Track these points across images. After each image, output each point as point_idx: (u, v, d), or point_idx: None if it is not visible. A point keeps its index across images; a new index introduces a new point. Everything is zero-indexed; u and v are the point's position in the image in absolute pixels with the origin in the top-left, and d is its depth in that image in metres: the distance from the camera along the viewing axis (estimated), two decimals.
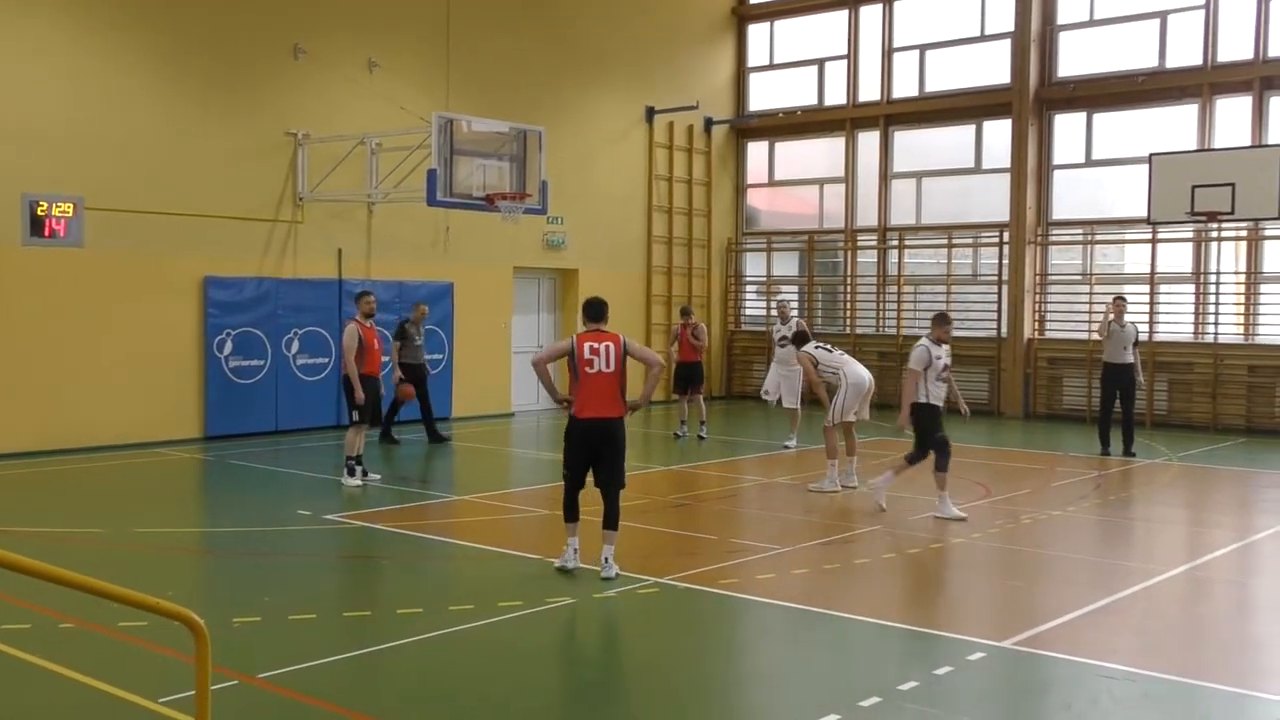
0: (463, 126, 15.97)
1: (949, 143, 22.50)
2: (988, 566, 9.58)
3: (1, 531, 10.03)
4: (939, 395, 11.34)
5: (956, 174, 22.52)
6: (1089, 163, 20.87)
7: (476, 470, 14.73)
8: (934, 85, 22.44)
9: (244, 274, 16.75)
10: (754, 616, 7.96)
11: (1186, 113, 19.64)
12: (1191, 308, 19.59)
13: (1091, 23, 20.79)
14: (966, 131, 22.07)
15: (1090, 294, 20.47)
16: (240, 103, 16.70)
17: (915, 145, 22.84)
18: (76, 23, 15.13)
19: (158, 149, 15.83)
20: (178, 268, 16.06)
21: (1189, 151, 18.74)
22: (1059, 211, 21.17)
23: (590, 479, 8.83)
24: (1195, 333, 19.53)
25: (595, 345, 8.69)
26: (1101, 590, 8.58)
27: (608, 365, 8.64)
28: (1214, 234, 19.25)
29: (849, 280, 23.49)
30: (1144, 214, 18.38)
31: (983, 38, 21.81)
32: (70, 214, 14.25)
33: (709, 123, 24.00)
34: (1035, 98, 20.78)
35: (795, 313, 17.68)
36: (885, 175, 22.95)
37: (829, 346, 13.43)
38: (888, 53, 22.92)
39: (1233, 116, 19.23)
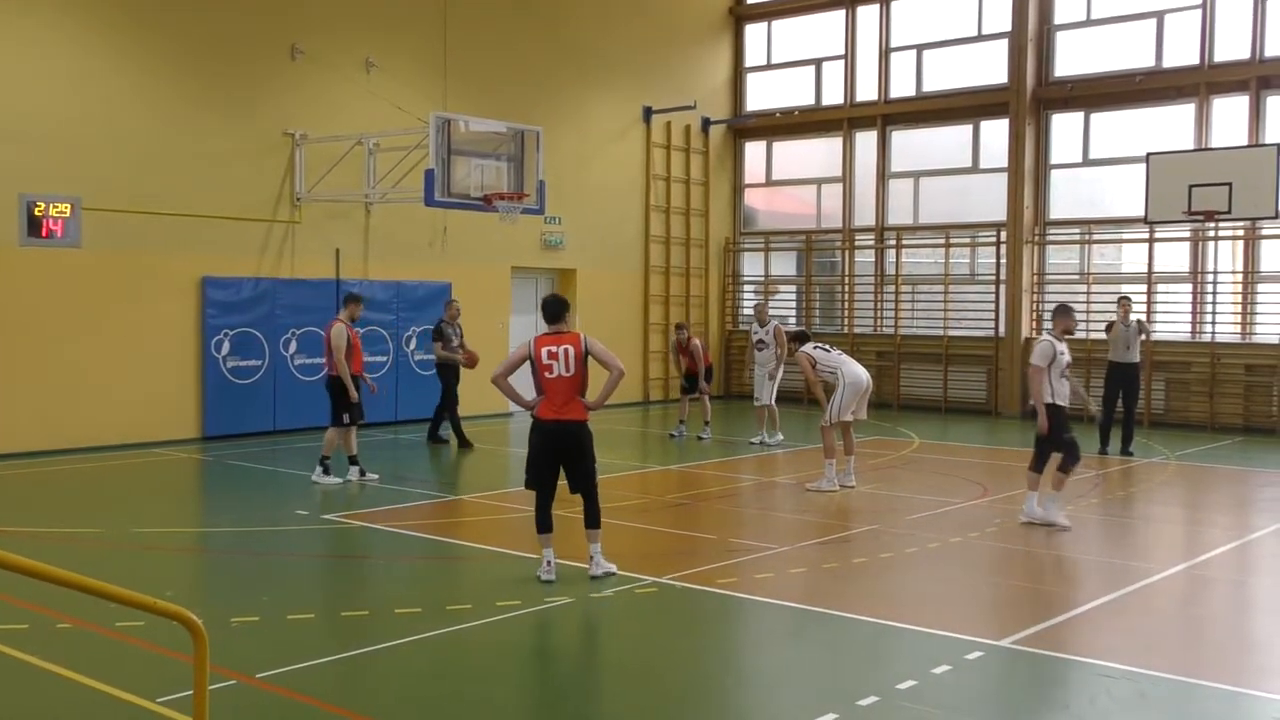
0: (460, 126, 15.96)
1: (946, 142, 22.52)
2: (985, 565, 9.58)
3: None
4: (1064, 394, 10.72)
5: (954, 174, 22.53)
6: (1086, 162, 20.89)
7: (474, 470, 14.72)
8: (931, 85, 22.45)
9: (242, 274, 16.73)
10: (752, 616, 7.96)
11: (1183, 112, 19.66)
12: (1189, 307, 19.61)
13: (1088, 22, 20.81)
14: (964, 131, 22.09)
15: (1088, 293, 20.48)
16: (238, 103, 16.69)
17: (913, 145, 22.86)
18: (74, 22, 15.13)
19: (155, 149, 15.82)
20: (175, 268, 16.05)
21: (1186, 151, 18.77)
22: (1056, 211, 21.19)
23: (566, 486, 8.72)
24: (1193, 332, 19.55)
25: (554, 349, 8.49)
26: (1099, 589, 8.59)
27: (566, 369, 8.45)
28: (1211, 233, 19.27)
29: (846, 280, 23.51)
30: (1141, 213, 18.41)
31: (980, 38, 21.82)
32: (67, 214, 14.24)
33: (706, 123, 24.01)
34: (1032, 97, 20.79)
35: (774, 317, 17.77)
36: (883, 175, 22.96)
37: (827, 346, 13.42)
38: (885, 53, 22.93)
39: (1230, 116, 19.25)
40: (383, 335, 18.30)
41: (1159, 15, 19.93)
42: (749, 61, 24.82)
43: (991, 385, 21.28)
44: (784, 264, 24.97)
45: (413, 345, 18.71)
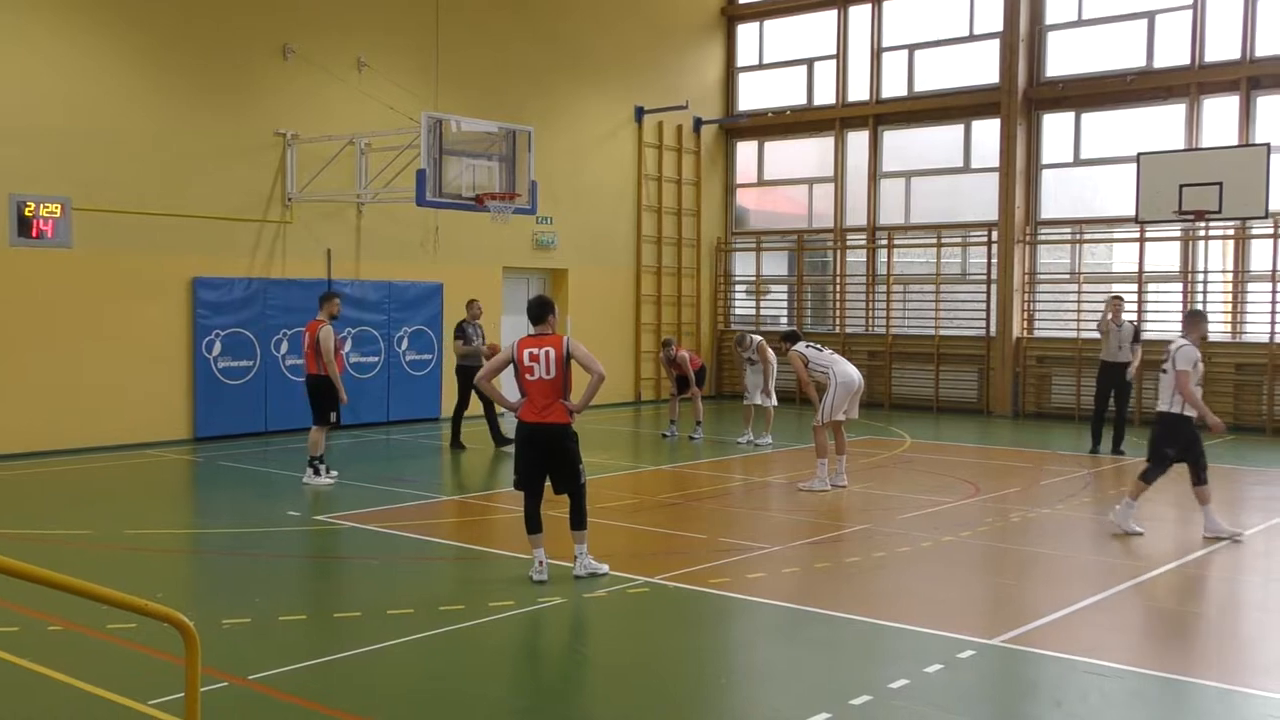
0: (452, 126, 15.94)
1: (938, 142, 22.55)
2: (977, 564, 9.60)
3: None
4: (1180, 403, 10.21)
5: (945, 173, 22.57)
6: (1077, 162, 20.94)
7: (467, 470, 14.70)
8: (923, 85, 22.48)
9: (233, 274, 16.70)
10: (744, 615, 7.96)
11: (1174, 112, 19.71)
12: (1179, 306, 19.63)
13: (1079, 23, 20.85)
14: (955, 131, 22.13)
15: (1079, 293, 20.53)
16: (229, 103, 16.65)
17: (904, 145, 22.88)
18: (65, 22, 15.08)
19: (146, 149, 15.78)
20: (166, 268, 16.01)
21: (1177, 151, 18.81)
22: (1047, 211, 21.23)
23: (551, 488, 8.73)
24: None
25: (535, 351, 8.50)
26: (1091, 587, 8.60)
27: (547, 372, 8.46)
28: (1201, 233, 19.32)
29: (838, 280, 23.53)
30: (1132, 213, 18.46)
31: (971, 38, 21.85)
32: (58, 214, 14.21)
33: (698, 122, 24.01)
34: (1024, 97, 20.83)
35: (758, 334, 17.82)
36: (874, 175, 22.98)
37: (819, 346, 13.44)
38: (876, 52, 22.95)
39: (1220, 116, 19.31)
40: (374, 336, 18.28)
41: (1150, 15, 19.98)
42: (741, 61, 24.83)
43: (983, 385, 21.31)
44: (776, 264, 24.98)
45: (404, 346, 18.68)
